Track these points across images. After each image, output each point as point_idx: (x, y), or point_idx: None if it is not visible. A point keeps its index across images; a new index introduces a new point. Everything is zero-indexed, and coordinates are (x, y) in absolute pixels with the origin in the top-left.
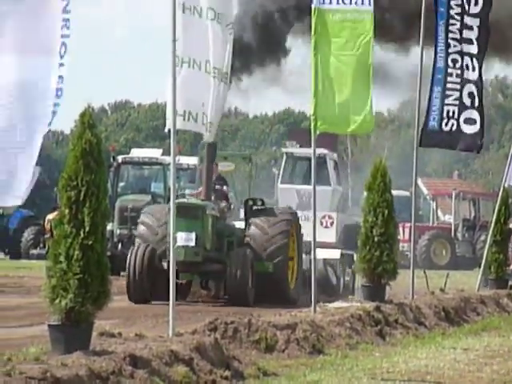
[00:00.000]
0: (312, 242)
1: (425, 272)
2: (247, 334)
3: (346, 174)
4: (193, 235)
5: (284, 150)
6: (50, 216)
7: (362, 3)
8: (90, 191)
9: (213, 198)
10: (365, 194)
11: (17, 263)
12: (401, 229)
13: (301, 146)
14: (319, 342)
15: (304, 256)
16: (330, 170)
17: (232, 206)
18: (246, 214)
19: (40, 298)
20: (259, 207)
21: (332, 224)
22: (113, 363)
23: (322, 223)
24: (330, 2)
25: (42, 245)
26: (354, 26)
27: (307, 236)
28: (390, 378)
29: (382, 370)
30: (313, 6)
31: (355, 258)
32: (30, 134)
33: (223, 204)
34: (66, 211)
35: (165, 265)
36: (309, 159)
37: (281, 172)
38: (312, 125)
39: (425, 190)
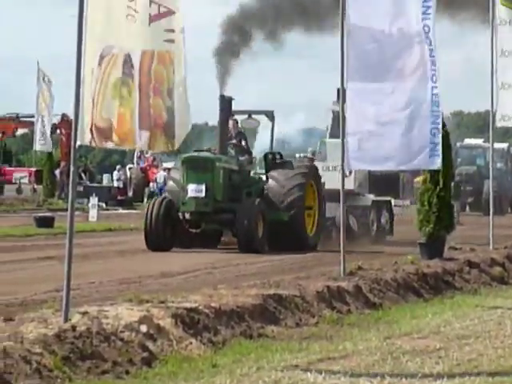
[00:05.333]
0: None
1: None
2: None
3: None
4: (202, 187)
5: (331, 108)
6: None
7: None
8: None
9: (233, 152)
10: None
11: None
12: None
13: None
14: None
15: (329, 204)
16: None
17: (254, 160)
18: (266, 168)
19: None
20: (278, 160)
21: (351, 173)
22: (456, 266)
23: None
24: None
25: None
26: None
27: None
28: None
29: None
30: None
31: (393, 203)
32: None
33: (243, 158)
34: (428, 175)
35: (180, 215)
36: None
37: (329, 128)
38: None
39: None
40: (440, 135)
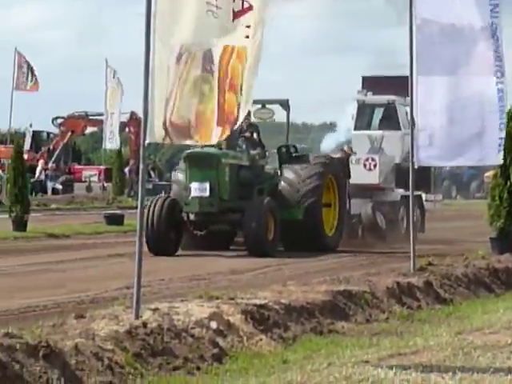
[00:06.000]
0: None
1: None
2: None
3: None
4: (206, 185)
5: (356, 97)
6: None
7: None
8: None
9: (244, 146)
10: None
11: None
12: None
13: (374, 94)
14: None
15: (354, 200)
16: (400, 115)
17: (267, 154)
18: (279, 162)
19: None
20: (293, 154)
21: (375, 166)
22: None
23: (365, 165)
24: None
25: None
26: None
27: (358, 179)
28: None
29: None
30: None
31: (424, 197)
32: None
33: (254, 152)
34: (499, 170)
35: (184, 216)
36: (380, 105)
37: (354, 119)
38: None
39: None
40: (504, 131)
